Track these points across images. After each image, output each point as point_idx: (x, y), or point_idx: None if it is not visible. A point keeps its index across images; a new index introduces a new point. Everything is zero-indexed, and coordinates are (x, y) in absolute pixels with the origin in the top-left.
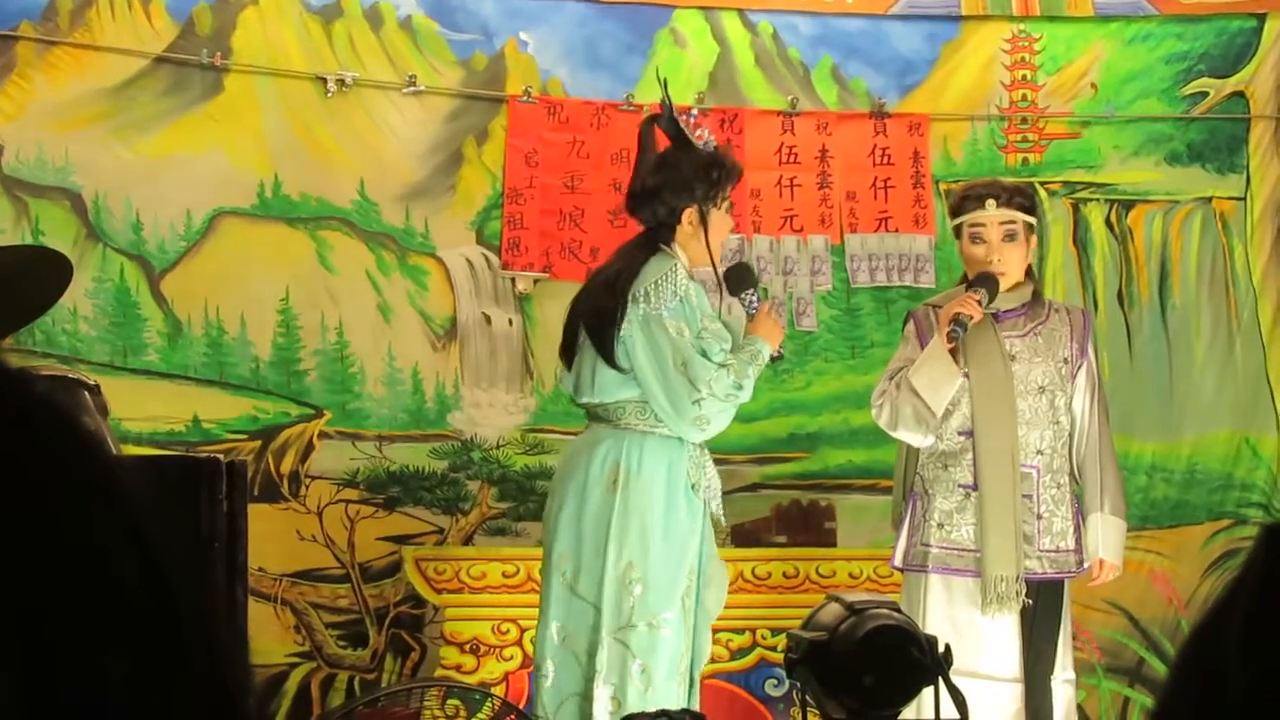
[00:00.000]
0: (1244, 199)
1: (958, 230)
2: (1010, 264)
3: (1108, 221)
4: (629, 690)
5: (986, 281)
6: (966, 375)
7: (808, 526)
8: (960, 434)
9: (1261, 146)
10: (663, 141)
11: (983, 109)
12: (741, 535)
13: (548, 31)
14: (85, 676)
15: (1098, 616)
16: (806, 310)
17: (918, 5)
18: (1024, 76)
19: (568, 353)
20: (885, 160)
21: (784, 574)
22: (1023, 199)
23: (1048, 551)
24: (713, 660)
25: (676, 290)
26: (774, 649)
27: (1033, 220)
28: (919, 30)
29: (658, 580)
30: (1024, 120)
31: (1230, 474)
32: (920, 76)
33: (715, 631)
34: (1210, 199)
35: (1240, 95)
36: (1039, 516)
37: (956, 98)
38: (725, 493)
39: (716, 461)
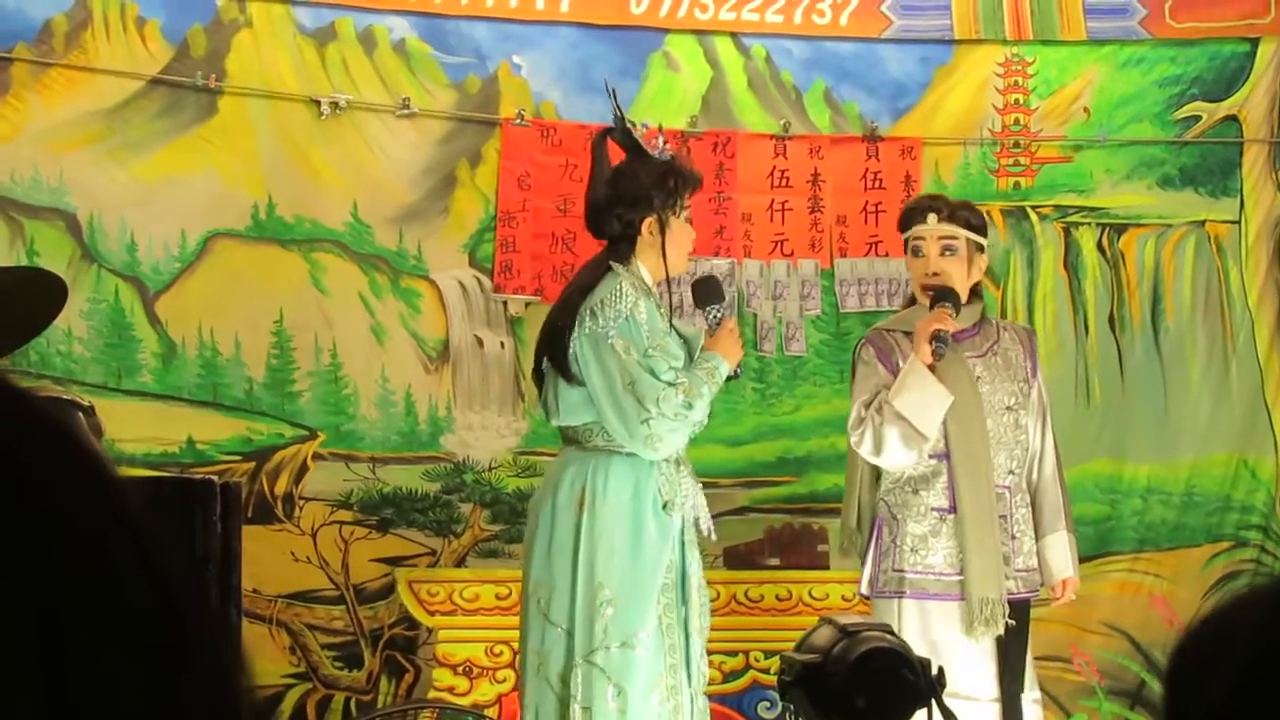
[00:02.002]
0: (1238, 222)
1: (905, 245)
2: (951, 280)
3: (1099, 245)
4: (604, 713)
5: (949, 295)
6: None
7: (800, 549)
8: (933, 457)
9: (1255, 170)
10: (617, 155)
11: (975, 133)
12: (734, 558)
13: (541, 55)
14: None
15: (1097, 639)
16: (796, 334)
17: (911, 29)
18: (1017, 100)
19: (539, 375)
20: (877, 184)
21: (777, 596)
22: (967, 215)
23: (1021, 571)
24: (706, 683)
25: (622, 309)
26: (767, 671)
27: (979, 239)
28: (912, 54)
29: (629, 600)
30: (1016, 144)
31: (1229, 496)
32: (913, 100)
33: (708, 654)
34: (1203, 223)
35: (1233, 119)
36: (1013, 537)
37: (949, 121)
38: (715, 515)
39: (705, 485)
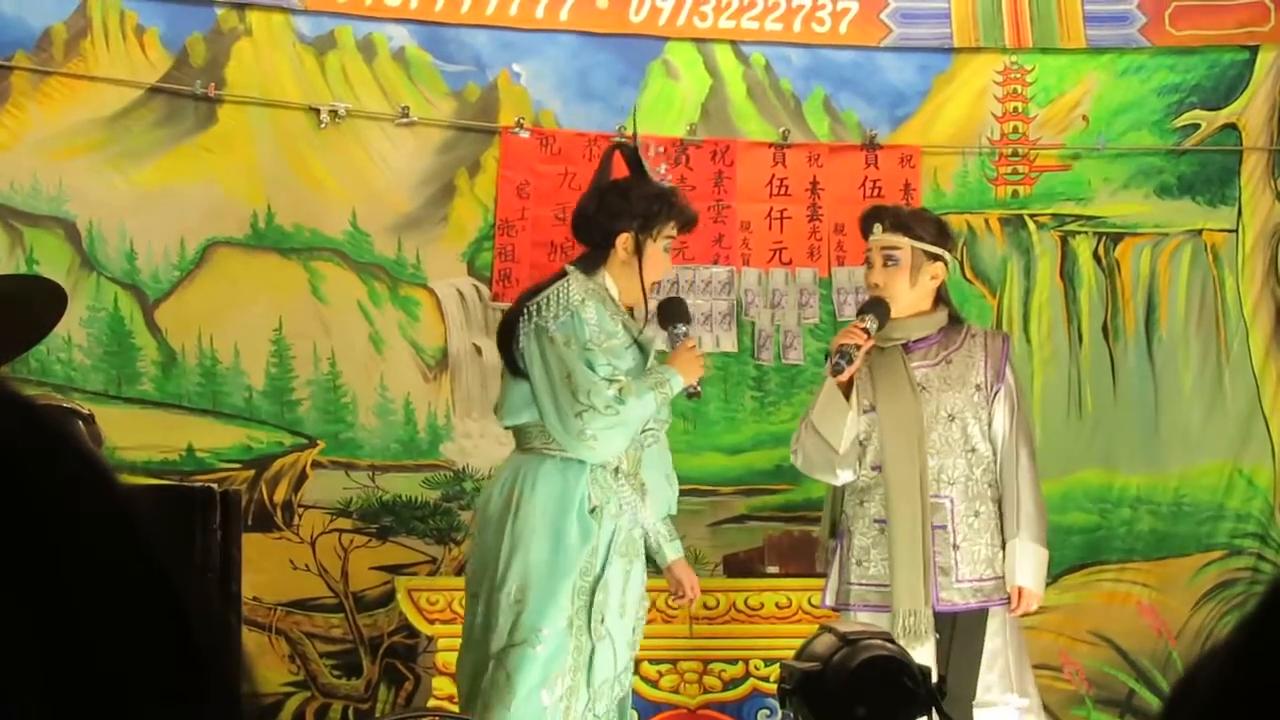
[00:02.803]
0: (1235, 231)
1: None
2: (890, 290)
3: (1095, 254)
4: (495, 710)
5: (874, 307)
6: (873, 409)
7: (799, 557)
8: (874, 468)
9: (1253, 179)
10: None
11: (974, 141)
12: (734, 566)
13: (540, 63)
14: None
15: (1085, 649)
16: (793, 343)
17: (910, 37)
18: (1015, 109)
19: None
20: (876, 192)
21: (776, 604)
22: (914, 224)
23: (968, 581)
24: (706, 691)
25: (568, 305)
26: (767, 679)
27: (928, 248)
28: (911, 62)
29: (537, 597)
30: (1015, 153)
31: (1222, 505)
32: (912, 108)
33: (708, 663)
34: (1200, 231)
35: (1232, 127)
36: (955, 547)
37: (948, 130)
38: (714, 524)
39: (704, 493)
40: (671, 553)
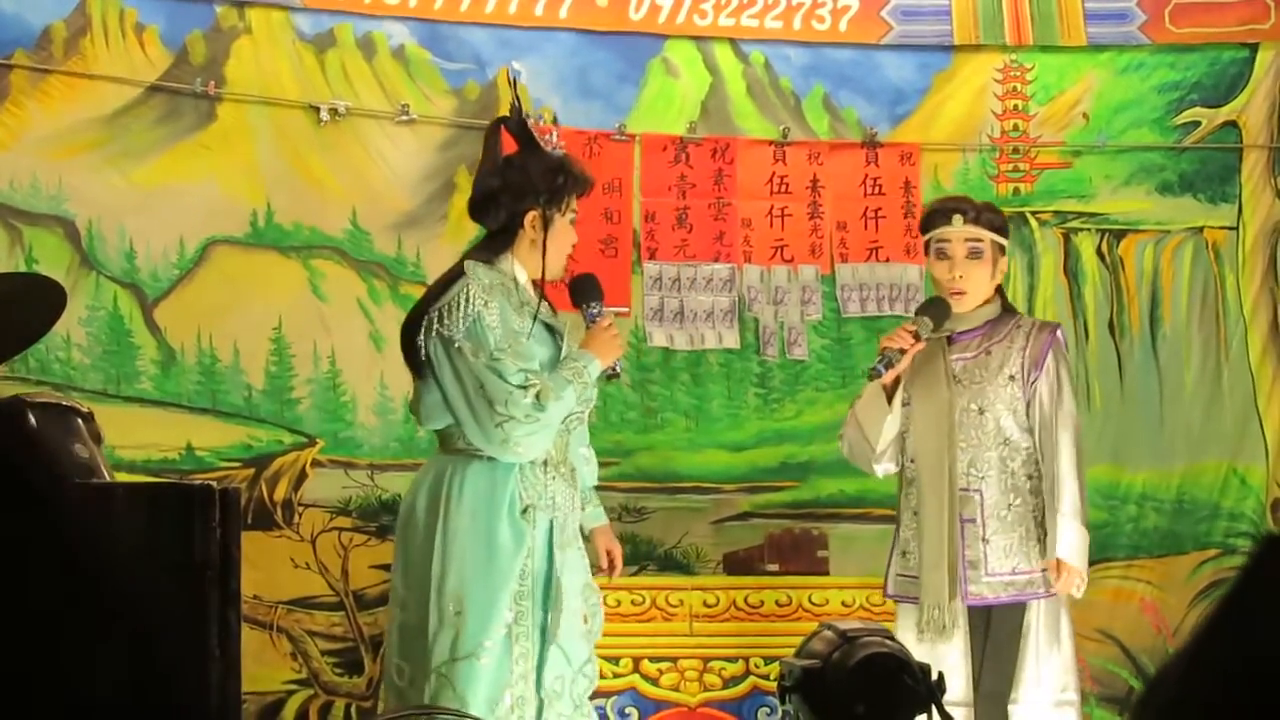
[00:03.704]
0: (1236, 228)
1: (926, 247)
2: (972, 282)
3: (1099, 251)
4: None
5: (930, 308)
6: (907, 404)
7: (800, 555)
8: (912, 461)
9: (1254, 176)
10: (509, 146)
11: (974, 139)
12: (734, 564)
13: (540, 61)
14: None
15: (1091, 645)
16: (797, 340)
17: (910, 35)
18: (1016, 106)
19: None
20: (876, 190)
21: (777, 602)
22: (992, 217)
23: (1000, 575)
24: (706, 689)
25: (469, 312)
26: (767, 677)
27: (1002, 240)
28: (911, 60)
29: (477, 609)
30: (1015, 150)
31: (1218, 504)
32: (912, 106)
33: (707, 660)
34: (1201, 229)
35: (1232, 125)
36: (985, 540)
37: (948, 127)
38: (717, 521)
39: (706, 490)
40: (592, 520)
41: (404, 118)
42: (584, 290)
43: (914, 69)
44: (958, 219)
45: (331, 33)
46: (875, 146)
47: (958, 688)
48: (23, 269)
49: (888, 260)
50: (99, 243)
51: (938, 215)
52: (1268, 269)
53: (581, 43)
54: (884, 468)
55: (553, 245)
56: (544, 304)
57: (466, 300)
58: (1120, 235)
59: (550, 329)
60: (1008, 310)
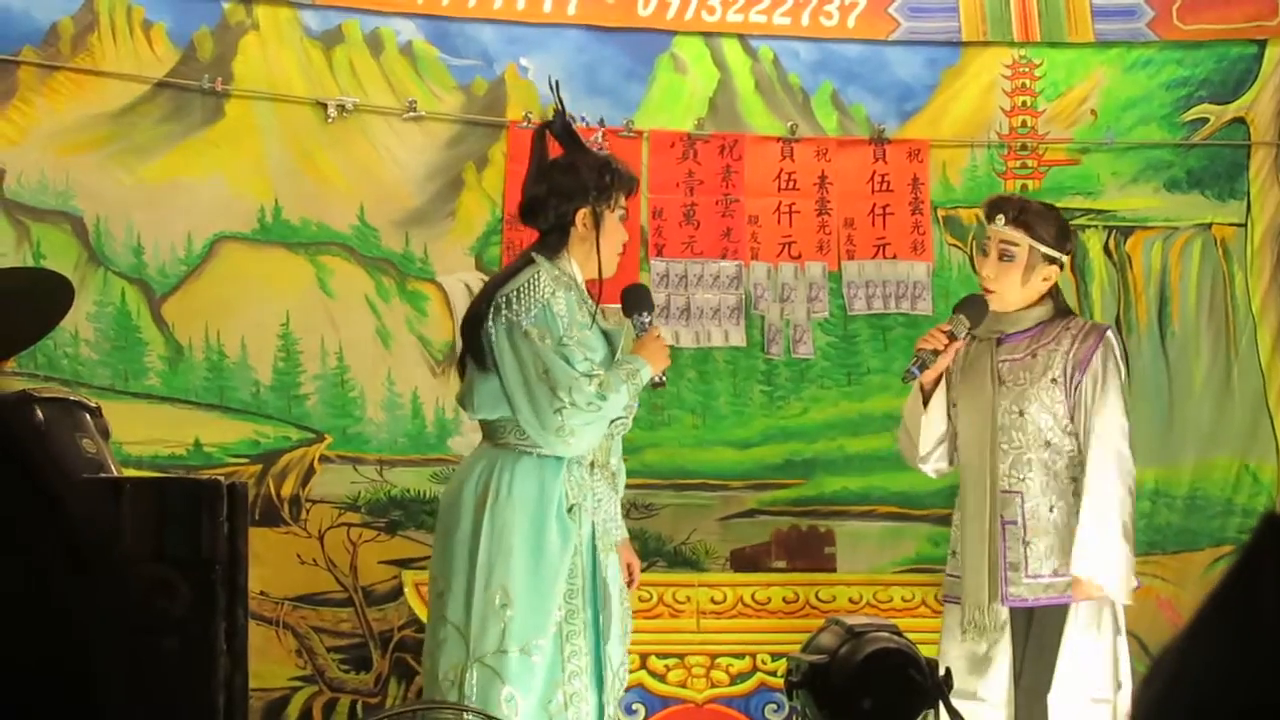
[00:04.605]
0: (1244, 225)
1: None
2: (1000, 283)
3: (1106, 248)
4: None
5: (968, 305)
6: (955, 405)
7: (807, 552)
8: (961, 463)
9: (1262, 173)
10: (555, 150)
11: (983, 135)
12: (741, 560)
13: (548, 57)
14: None
15: None
16: (803, 337)
17: (918, 31)
18: (1024, 103)
19: (463, 365)
20: (884, 187)
21: (784, 599)
22: (1036, 223)
23: (1042, 577)
24: (713, 685)
25: (539, 298)
26: (774, 674)
27: (1050, 251)
28: (919, 56)
29: (529, 605)
30: (1024, 146)
31: (1230, 500)
32: (920, 102)
33: (714, 656)
34: (1210, 225)
35: (1241, 121)
36: (1026, 543)
37: (956, 124)
38: (723, 518)
39: (714, 487)
40: (618, 534)
41: (411, 114)
42: (636, 300)
43: (922, 65)
44: (1000, 218)
45: (339, 29)
46: (883, 143)
47: (1000, 687)
48: (31, 265)
49: (895, 257)
50: (107, 239)
51: (990, 210)
52: (1276, 265)
53: (589, 39)
54: (933, 467)
55: (605, 242)
56: (594, 302)
57: (536, 286)
58: (1128, 232)
59: (604, 331)
60: (1061, 313)
